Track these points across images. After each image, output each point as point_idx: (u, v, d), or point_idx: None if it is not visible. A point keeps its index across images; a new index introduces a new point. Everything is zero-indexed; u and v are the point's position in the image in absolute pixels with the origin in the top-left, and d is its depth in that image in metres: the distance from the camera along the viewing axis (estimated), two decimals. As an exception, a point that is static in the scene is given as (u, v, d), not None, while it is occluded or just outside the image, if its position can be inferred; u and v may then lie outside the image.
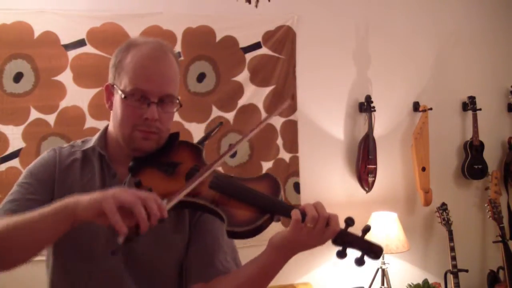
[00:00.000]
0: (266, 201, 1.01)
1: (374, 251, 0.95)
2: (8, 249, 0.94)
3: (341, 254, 0.96)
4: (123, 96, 1.10)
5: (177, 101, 1.16)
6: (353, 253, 0.98)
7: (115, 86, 1.14)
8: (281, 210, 0.99)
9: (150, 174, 1.10)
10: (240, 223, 0.98)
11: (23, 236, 0.93)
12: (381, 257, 0.93)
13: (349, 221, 0.96)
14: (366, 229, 0.97)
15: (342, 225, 0.97)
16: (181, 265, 1.17)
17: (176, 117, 2.86)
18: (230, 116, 2.91)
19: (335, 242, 0.97)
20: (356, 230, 0.98)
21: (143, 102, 1.10)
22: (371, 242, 0.96)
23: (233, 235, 1.00)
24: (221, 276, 1.12)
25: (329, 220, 0.95)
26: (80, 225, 0.95)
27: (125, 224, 0.86)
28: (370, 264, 2.96)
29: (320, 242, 0.97)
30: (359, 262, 0.95)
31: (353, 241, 0.95)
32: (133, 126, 1.11)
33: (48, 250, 1.20)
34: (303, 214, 0.95)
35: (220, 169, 2.68)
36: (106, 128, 1.23)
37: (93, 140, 1.23)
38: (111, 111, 1.18)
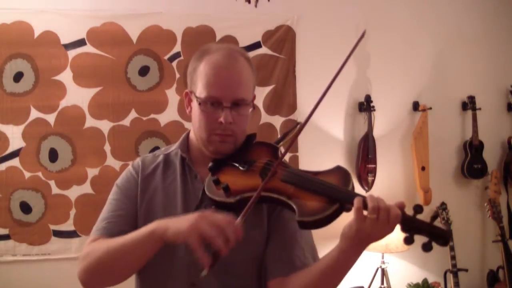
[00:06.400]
0: (335, 191, 1.04)
1: (442, 236, 0.97)
2: (111, 269, 1.12)
3: (408, 240, 0.98)
4: (198, 102, 1.17)
5: (251, 103, 1.22)
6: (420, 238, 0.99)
7: (192, 93, 1.21)
8: (348, 199, 1.00)
9: (228, 172, 1.16)
10: (310, 213, 1.01)
11: (121, 259, 1.10)
12: (448, 243, 1.07)
13: (418, 208, 0.99)
14: (435, 216, 1.00)
15: (410, 212, 0.99)
16: (260, 260, 1.19)
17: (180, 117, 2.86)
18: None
19: (403, 228, 0.98)
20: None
21: (217, 107, 1.16)
22: (439, 228, 0.98)
23: (304, 225, 1.03)
24: (298, 272, 1.14)
25: (389, 211, 0.96)
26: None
27: (207, 254, 0.95)
28: (370, 263, 2.96)
29: (387, 231, 0.98)
30: (427, 247, 0.98)
31: (421, 227, 0.97)
32: (210, 130, 1.18)
33: None
34: (365, 203, 0.98)
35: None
36: (188, 133, 1.31)
37: (176, 144, 1.31)
38: (192, 116, 1.24)
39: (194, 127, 1.23)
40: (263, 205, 1.19)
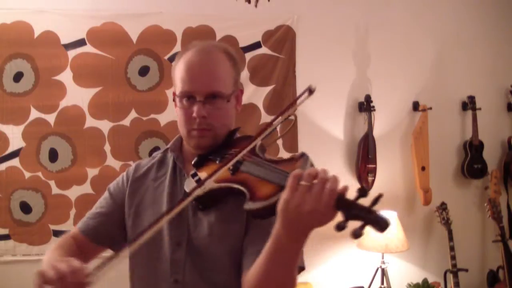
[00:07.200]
0: (283, 177, 0.96)
1: (379, 222, 0.84)
2: None
3: (341, 227, 0.83)
4: (173, 99, 1.23)
5: (229, 97, 1.22)
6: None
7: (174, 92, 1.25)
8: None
9: (208, 166, 1.19)
10: (256, 200, 1.00)
11: None
12: (386, 230, 0.84)
13: (361, 191, 0.87)
14: (377, 198, 0.87)
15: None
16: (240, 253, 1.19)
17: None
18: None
19: (343, 214, 0.86)
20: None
21: (192, 102, 1.18)
22: (376, 212, 0.85)
23: (252, 214, 1.03)
24: None
25: (326, 181, 0.87)
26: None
27: None
28: (370, 263, 2.96)
29: (319, 208, 0.86)
30: (356, 233, 0.82)
31: (359, 213, 0.85)
32: (188, 125, 1.20)
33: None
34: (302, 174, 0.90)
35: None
36: None
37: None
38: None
39: (178, 125, 1.26)
40: (243, 199, 1.16)
